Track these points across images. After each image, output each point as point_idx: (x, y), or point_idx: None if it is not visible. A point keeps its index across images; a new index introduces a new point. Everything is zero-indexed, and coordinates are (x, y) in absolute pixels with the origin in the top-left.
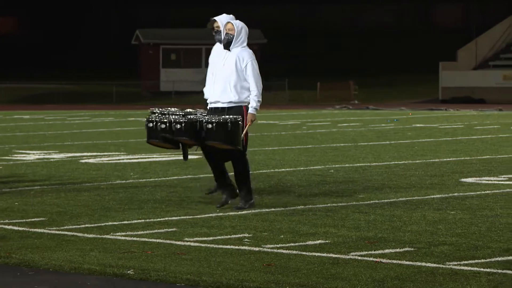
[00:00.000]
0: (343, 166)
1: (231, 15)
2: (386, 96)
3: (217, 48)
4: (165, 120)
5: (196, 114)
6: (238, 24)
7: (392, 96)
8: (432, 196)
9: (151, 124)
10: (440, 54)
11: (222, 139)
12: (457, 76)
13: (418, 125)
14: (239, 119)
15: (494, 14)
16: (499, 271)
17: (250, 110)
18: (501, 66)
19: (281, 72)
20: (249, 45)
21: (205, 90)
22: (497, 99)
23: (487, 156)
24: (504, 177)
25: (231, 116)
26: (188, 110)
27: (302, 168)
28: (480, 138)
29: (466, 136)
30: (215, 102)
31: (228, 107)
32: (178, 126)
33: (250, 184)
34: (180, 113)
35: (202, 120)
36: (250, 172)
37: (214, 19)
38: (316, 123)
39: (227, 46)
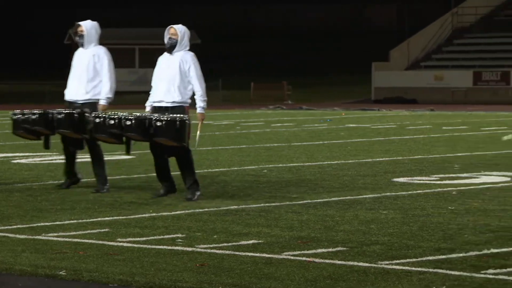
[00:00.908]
0: (276, 166)
1: (96, 22)
2: (319, 96)
3: (80, 52)
4: (114, 117)
5: (53, 114)
6: (181, 29)
7: (325, 96)
8: (364, 196)
9: (98, 120)
10: (373, 54)
11: (170, 136)
12: (390, 77)
13: (351, 125)
14: (186, 118)
15: (426, 15)
16: (430, 270)
17: (199, 110)
18: (432, 67)
19: (214, 72)
20: None
21: (66, 91)
22: (429, 99)
23: (419, 156)
24: (435, 177)
25: (179, 115)
26: (46, 110)
27: (235, 168)
28: (412, 138)
29: (399, 136)
30: (159, 102)
31: (171, 107)
32: (128, 122)
33: (196, 176)
34: (38, 112)
35: (151, 118)
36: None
37: (79, 24)
38: (250, 123)
39: (170, 50)
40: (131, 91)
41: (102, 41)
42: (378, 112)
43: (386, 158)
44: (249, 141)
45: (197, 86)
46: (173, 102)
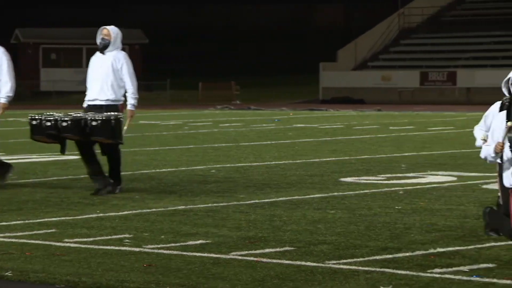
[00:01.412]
0: (224, 166)
1: None
2: (267, 96)
3: None
4: (50, 118)
5: None
6: (114, 30)
7: (273, 96)
8: (312, 196)
9: (34, 122)
10: (320, 54)
11: (107, 134)
12: (337, 77)
13: (298, 125)
14: (120, 116)
15: (373, 16)
16: (377, 269)
17: (130, 107)
18: (379, 67)
19: (162, 72)
20: (131, 45)
21: None
22: (376, 99)
23: (366, 156)
24: (382, 177)
25: (113, 113)
26: None
27: (183, 168)
28: (359, 138)
29: (346, 136)
30: (93, 100)
31: (106, 105)
32: (64, 123)
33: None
34: None
35: (87, 118)
36: (131, 172)
37: None
38: (198, 123)
39: (103, 50)
40: (78, 91)
41: (49, 41)
42: (325, 112)
43: (333, 158)
44: (197, 141)
45: (129, 84)
46: (107, 100)
